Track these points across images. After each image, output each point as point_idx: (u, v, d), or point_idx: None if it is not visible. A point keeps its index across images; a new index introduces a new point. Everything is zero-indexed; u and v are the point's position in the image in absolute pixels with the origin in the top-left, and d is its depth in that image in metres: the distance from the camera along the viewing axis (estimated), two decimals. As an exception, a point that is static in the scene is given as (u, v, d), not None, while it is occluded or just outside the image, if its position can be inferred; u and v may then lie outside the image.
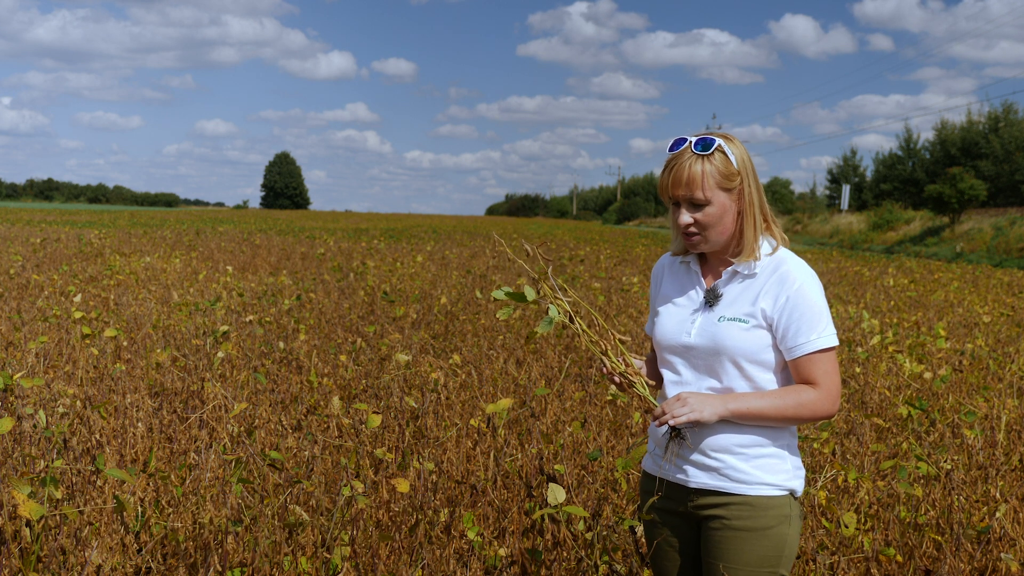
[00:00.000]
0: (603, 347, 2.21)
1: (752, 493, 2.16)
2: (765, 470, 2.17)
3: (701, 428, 2.17)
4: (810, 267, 2.19)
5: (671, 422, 2.10)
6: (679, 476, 2.24)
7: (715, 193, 2.13)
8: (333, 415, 4.49)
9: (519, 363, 6.43)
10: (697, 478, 2.21)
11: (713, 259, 2.27)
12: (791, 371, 2.17)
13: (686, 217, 2.16)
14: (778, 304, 2.13)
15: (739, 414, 2.12)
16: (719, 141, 2.14)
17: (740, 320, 2.15)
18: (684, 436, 2.16)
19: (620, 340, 2.22)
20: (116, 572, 2.97)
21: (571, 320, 2.20)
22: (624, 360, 2.22)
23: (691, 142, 2.14)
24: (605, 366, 2.21)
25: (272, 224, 38.97)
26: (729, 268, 2.20)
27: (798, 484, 2.21)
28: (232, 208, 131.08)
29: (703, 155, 2.12)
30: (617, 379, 2.22)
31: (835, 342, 2.15)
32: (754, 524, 2.16)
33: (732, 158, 2.13)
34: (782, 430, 2.19)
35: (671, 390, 2.26)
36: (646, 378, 2.24)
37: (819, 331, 2.12)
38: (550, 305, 2.19)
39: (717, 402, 2.12)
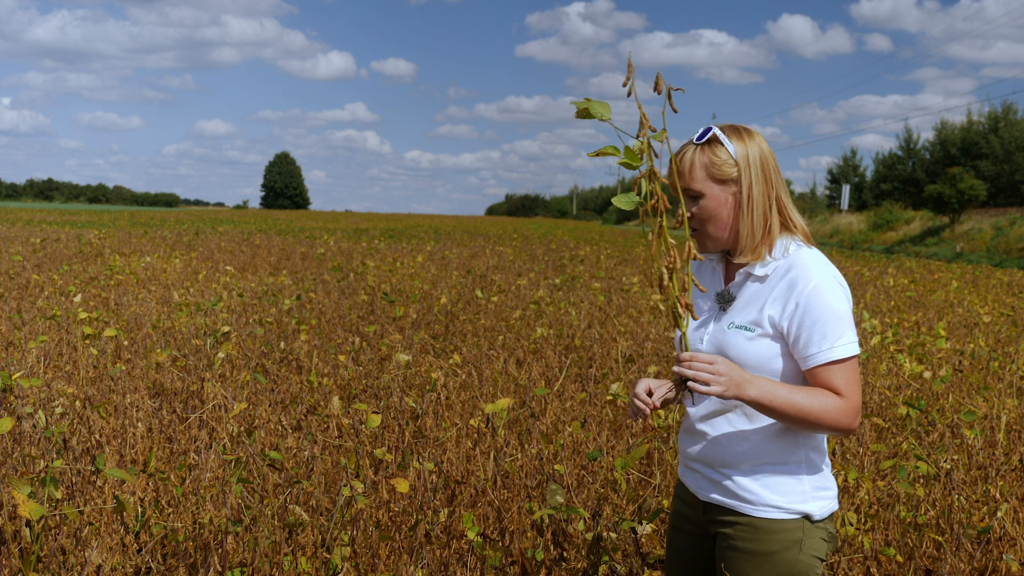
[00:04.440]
0: (672, 261, 1.86)
1: (756, 515, 2.02)
2: (773, 490, 2.02)
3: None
4: (832, 268, 2.01)
5: (691, 385, 1.88)
6: (694, 486, 2.16)
7: (707, 184, 2.02)
8: (333, 415, 4.49)
9: (519, 363, 6.43)
10: (706, 491, 2.12)
11: (732, 259, 2.12)
12: (809, 382, 1.98)
13: (686, 209, 2.06)
14: (787, 311, 1.97)
15: (759, 403, 1.91)
16: (715, 129, 2.04)
17: (746, 328, 2.01)
18: (691, 394, 1.95)
19: (695, 256, 1.88)
20: (116, 572, 2.96)
21: (656, 210, 1.81)
22: (684, 286, 1.90)
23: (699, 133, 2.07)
24: (663, 282, 1.88)
25: (272, 224, 38.95)
26: (742, 269, 2.07)
27: (816, 507, 2.03)
28: (232, 208, 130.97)
29: (698, 145, 2.04)
30: (670, 304, 1.93)
31: (855, 351, 1.94)
32: (757, 547, 2.02)
33: (730, 149, 2.01)
34: (796, 445, 2.02)
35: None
36: (694, 315, 1.95)
37: (833, 339, 1.93)
38: (642, 180, 1.81)
39: (743, 386, 1.89)
